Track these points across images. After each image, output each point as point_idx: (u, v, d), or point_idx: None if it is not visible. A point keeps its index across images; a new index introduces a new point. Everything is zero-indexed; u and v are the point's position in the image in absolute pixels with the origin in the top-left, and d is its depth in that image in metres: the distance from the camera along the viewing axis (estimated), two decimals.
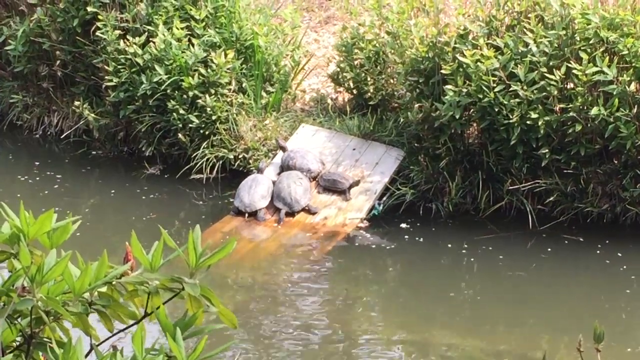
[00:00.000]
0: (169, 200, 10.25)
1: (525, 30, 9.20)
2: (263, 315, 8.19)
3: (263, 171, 10.06)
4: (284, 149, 10.20)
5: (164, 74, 10.42)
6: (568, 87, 9.10)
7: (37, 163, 11.19)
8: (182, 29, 10.54)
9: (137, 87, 10.56)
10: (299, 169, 9.94)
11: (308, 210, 9.70)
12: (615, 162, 9.28)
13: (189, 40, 10.57)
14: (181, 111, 10.41)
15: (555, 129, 9.09)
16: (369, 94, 10.50)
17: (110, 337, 2.76)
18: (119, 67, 10.66)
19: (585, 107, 8.93)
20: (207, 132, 10.48)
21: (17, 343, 2.70)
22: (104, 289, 2.72)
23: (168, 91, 10.45)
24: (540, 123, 8.98)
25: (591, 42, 8.98)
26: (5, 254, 2.84)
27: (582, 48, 8.96)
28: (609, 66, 8.81)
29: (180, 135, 10.49)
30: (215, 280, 8.51)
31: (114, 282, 2.72)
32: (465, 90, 9.17)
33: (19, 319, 2.67)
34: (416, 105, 9.64)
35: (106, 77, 10.75)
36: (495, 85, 9.07)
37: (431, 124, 9.58)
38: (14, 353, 2.69)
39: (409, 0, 10.07)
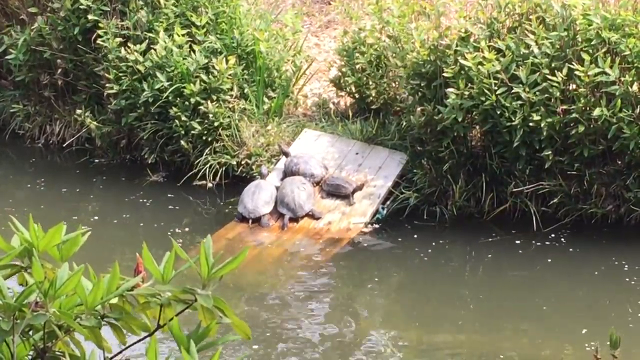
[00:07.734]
0: (173, 207, 10.23)
1: (526, 32, 9.19)
2: (268, 321, 8.18)
3: (265, 176, 10.04)
4: (287, 154, 10.19)
5: (165, 81, 10.41)
6: (570, 88, 9.08)
7: (39, 172, 11.17)
8: (183, 35, 10.52)
9: (139, 95, 10.54)
10: (302, 174, 9.92)
11: (312, 216, 9.69)
12: (619, 162, 9.26)
13: (190, 46, 10.56)
14: (183, 118, 10.40)
15: (558, 130, 9.08)
16: (371, 98, 10.49)
17: (124, 349, 2.75)
18: (121, 74, 10.65)
19: (587, 108, 8.92)
20: (209, 139, 10.46)
21: (30, 357, 2.70)
22: (115, 301, 2.71)
23: (170, 98, 10.43)
24: (542, 125, 8.97)
25: (593, 43, 8.97)
26: (15, 267, 2.83)
27: (584, 49, 8.95)
28: (611, 67, 8.80)
29: (182, 142, 10.47)
30: (219, 287, 8.48)
31: (125, 294, 2.71)
32: (467, 93, 9.16)
33: (31, 333, 2.67)
34: (418, 109, 9.63)
35: (107, 85, 10.74)
36: (497, 87, 9.06)
37: (434, 127, 9.56)
38: None
39: (410, 3, 10.07)
